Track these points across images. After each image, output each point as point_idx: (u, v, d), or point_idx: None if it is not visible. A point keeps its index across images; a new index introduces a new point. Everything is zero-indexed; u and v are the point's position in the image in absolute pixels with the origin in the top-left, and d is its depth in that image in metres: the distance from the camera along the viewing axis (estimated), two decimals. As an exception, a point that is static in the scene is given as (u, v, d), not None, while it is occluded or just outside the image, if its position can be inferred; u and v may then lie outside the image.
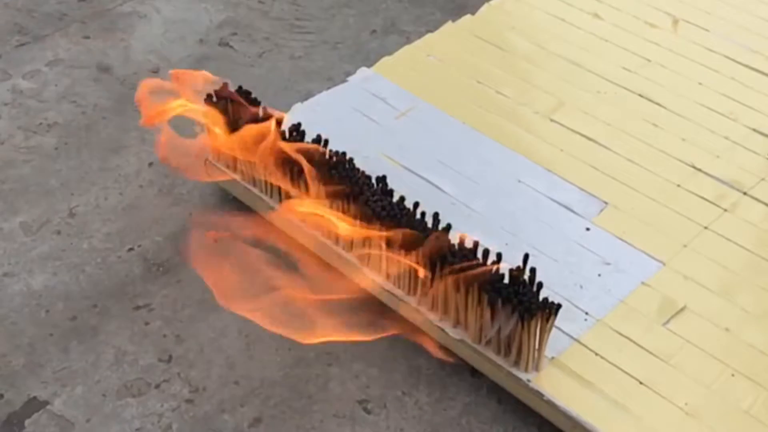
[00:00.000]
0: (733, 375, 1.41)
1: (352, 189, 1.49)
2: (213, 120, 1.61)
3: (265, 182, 1.63)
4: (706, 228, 1.64)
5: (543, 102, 1.90)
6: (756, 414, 1.36)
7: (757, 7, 2.18)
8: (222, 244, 1.60)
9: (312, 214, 1.55)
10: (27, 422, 1.42)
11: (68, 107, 1.99)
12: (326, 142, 1.57)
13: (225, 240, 1.60)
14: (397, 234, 1.43)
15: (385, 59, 2.00)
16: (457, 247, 1.40)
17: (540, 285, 1.35)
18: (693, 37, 2.09)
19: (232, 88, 1.65)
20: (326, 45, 2.21)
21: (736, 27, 2.12)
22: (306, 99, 1.92)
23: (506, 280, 1.36)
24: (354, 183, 1.49)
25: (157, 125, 1.68)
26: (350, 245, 1.53)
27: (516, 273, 1.35)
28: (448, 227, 1.43)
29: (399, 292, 1.49)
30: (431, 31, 2.10)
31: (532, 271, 1.36)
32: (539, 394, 1.37)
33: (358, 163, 1.54)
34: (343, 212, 1.50)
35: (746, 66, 2.01)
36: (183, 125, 1.71)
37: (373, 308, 1.50)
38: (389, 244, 1.44)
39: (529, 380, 1.39)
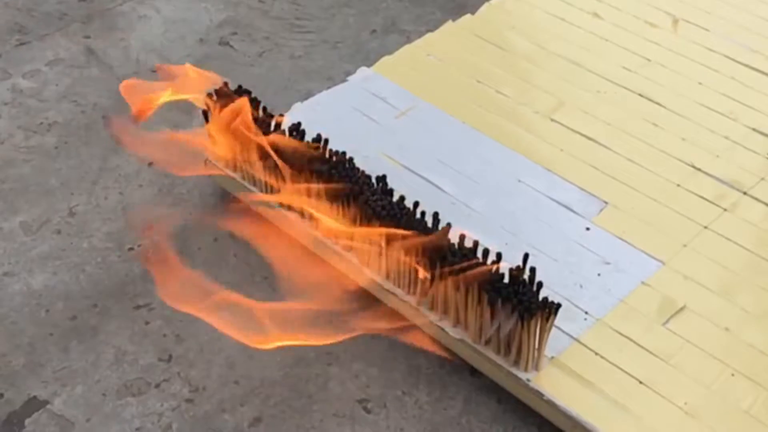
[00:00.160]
0: (733, 375, 1.41)
1: (352, 188, 1.49)
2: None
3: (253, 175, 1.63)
4: (706, 228, 1.64)
5: (543, 102, 1.90)
6: (756, 414, 1.36)
7: (757, 7, 2.18)
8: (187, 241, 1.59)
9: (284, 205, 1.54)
10: (27, 421, 1.42)
11: (68, 107, 1.99)
12: (326, 141, 1.57)
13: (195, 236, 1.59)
14: (380, 231, 1.43)
15: (385, 59, 2.00)
16: (457, 246, 1.40)
17: (540, 284, 1.35)
18: (693, 37, 2.09)
19: (232, 88, 1.65)
20: (326, 44, 2.21)
21: (736, 26, 2.12)
22: (306, 98, 1.92)
23: (506, 280, 1.36)
24: (354, 182, 1.49)
25: (149, 116, 1.68)
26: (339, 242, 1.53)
27: (516, 272, 1.35)
28: (448, 227, 1.44)
29: (399, 291, 1.49)
30: (431, 31, 2.10)
31: (532, 270, 1.36)
32: (539, 394, 1.37)
33: (358, 163, 1.54)
34: (343, 212, 1.50)
35: (746, 66, 2.01)
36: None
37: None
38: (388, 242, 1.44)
39: (528, 380, 1.39)
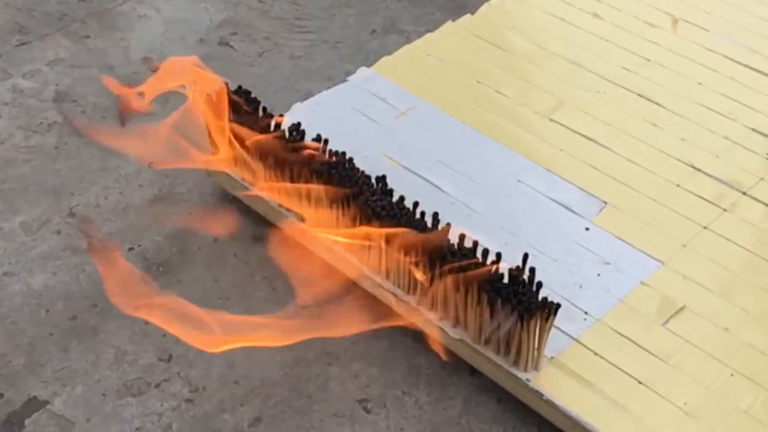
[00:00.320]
0: (732, 375, 1.41)
1: (352, 188, 1.49)
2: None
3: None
4: (705, 228, 1.65)
5: (543, 102, 1.90)
6: (755, 414, 1.36)
7: (757, 7, 2.18)
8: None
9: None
10: (27, 422, 1.42)
11: (68, 107, 1.99)
12: (326, 141, 1.57)
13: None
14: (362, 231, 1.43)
15: (385, 59, 2.01)
16: (456, 246, 1.40)
17: (539, 285, 1.35)
18: (692, 37, 2.09)
19: (232, 88, 1.65)
20: (326, 45, 2.21)
21: (735, 27, 2.12)
22: (306, 99, 1.92)
23: (506, 280, 1.36)
24: (354, 183, 1.49)
25: (142, 107, 1.68)
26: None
27: (515, 273, 1.35)
28: (448, 227, 1.44)
29: (399, 292, 1.49)
30: (431, 31, 2.10)
31: (532, 270, 1.36)
32: (539, 394, 1.38)
33: (358, 163, 1.54)
34: (343, 212, 1.50)
35: (746, 66, 2.01)
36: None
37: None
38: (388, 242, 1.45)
39: (528, 380, 1.39)
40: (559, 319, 1.38)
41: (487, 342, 1.41)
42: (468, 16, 2.14)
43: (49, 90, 2.03)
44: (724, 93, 1.94)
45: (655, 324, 1.48)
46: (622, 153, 1.79)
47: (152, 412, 1.43)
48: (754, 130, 1.86)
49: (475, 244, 1.40)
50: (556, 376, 1.40)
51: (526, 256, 1.37)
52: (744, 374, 1.41)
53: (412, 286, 1.47)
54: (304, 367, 1.50)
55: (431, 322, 1.45)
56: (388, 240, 1.43)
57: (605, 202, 1.68)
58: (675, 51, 2.05)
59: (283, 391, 1.47)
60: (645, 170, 1.75)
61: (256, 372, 1.49)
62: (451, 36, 2.08)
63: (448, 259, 1.39)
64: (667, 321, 1.49)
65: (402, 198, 1.48)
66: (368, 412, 1.44)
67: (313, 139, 1.58)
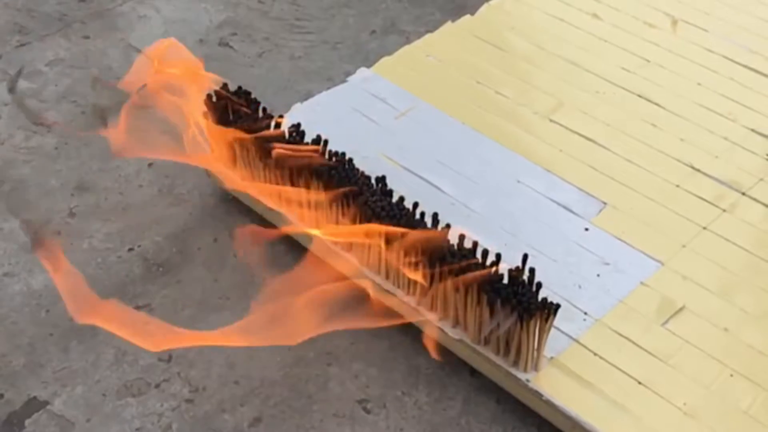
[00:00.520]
0: (731, 375, 1.41)
1: (352, 189, 1.49)
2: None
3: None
4: (705, 228, 1.65)
5: (542, 102, 1.90)
6: (755, 414, 1.37)
7: (756, 8, 2.18)
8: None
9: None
10: (27, 422, 1.42)
11: (68, 107, 1.99)
12: (326, 142, 1.57)
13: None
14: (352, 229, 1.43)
15: (385, 59, 2.01)
16: (456, 247, 1.40)
17: (539, 285, 1.35)
18: (692, 38, 2.09)
19: (232, 89, 1.65)
20: (326, 45, 2.21)
21: (735, 27, 2.12)
22: (306, 99, 1.93)
23: (505, 281, 1.36)
24: (353, 183, 1.49)
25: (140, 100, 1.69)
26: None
27: (515, 273, 1.35)
28: (447, 227, 1.44)
29: (399, 292, 1.49)
30: (431, 32, 2.11)
31: (531, 271, 1.36)
32: (538, 394, 1.38)
33: (358, 164, 1.54)
34: (343, 212, 1.50)
35: (745, 66, 2.01)
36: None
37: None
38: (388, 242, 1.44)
39: (528, 380, 1.39)
40: (559, 320, 1.39)
41: (486, 342, 1.42)
42: (468, 16, 2.14)
43: (49, 90, 2.03)
44: (724, 93, 1.94)
45: (654, 324, 1.48)
46: (621, 153, 1.79)
47: (152, 413, 1.43)
48: (753, 130, 1.86)
49: (475, 244, 1.40)
50: (555, 377, 1.40)
51: (525, 257, 1.37)
52: (743, 374, 1.41)
53: (411, 286, 1.47)
54: (303, 367, 1.50)
55: (431, 323, 1.45)
56: (388, 240, 1.43)
57: (605, 203, 1.68)
58: (674, 51, 2.05)
59: (283, 391, 1.47)
60: (644, 171, 1.75)
61: (256, 372, 1.49)
62: (450, 36, 2.08)
63: (447, 259, 1.39)
64: (666, 321, 1.49)
65: (402, 198, 1.48)
66: (368, 412, 1.44)
67: (313, 140, 1.58)
